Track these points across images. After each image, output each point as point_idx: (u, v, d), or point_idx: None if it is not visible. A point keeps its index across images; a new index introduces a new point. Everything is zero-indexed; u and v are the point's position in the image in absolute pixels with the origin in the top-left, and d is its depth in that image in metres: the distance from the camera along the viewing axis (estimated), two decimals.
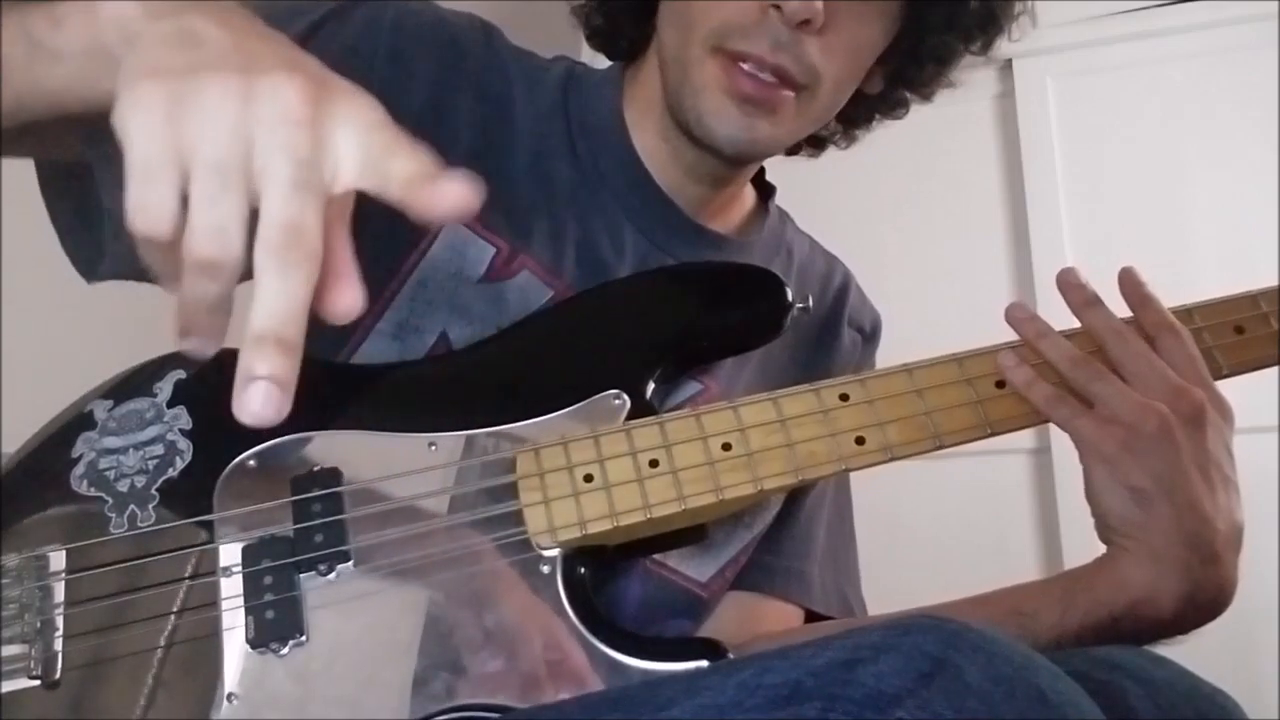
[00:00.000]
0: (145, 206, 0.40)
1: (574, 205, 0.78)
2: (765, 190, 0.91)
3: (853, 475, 0.93)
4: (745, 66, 0.71)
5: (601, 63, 0.88)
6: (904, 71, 0.85)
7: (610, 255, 0.78)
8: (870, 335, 0.93)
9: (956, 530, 1.98)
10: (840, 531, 0.91)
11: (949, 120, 2.19)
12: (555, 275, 0.76)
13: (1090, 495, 0.65)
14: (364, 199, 0.65)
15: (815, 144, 0.92)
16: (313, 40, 0.71)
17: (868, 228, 1.98)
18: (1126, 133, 2.08)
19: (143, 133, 0.40)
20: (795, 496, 0.84)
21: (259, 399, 0.41)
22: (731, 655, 0.62)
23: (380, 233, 0.73)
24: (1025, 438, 2.04)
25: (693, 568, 0.78)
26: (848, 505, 0.93)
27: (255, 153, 0.40)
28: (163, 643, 0.61)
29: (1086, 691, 0.49)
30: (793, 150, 0.89)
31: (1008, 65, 2.15)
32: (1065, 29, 2.12)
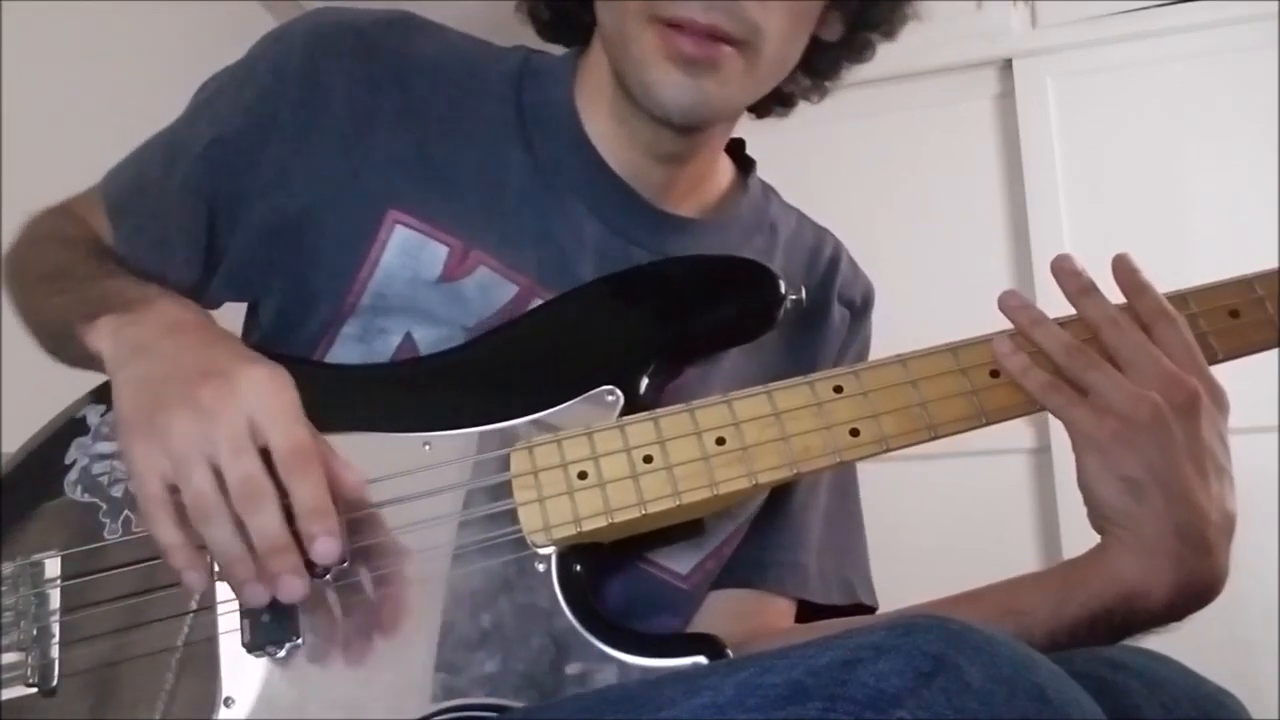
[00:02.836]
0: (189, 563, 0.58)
1: (529, 198, 0.76)
2: (746, 166, 0.89)
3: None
4: (682, 30, 0.69)
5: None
6: (862, 13, 0.82)
7: (572, 247, 0.76)
8: (861, 309, 0.91)
9: (956, 530, 1.98)
10: (844, 517, 0.89)
11: (949, 120, 2.19)
12: (516, 270, 0.74)
13: (1083, 484, 0.64)
14: (311, 212, 0.73)
15: (783, 101, 0.88)
16: (252, 102, 0.75)
17: (868, 228, 1.97)
18: (1126, 133, 2.07)
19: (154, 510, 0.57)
20: (787, 487, 0.83)
21: (294, 584, 0.57)
22: (730, 652, 0.62)
23: (329, 244, 0.73)
24: (1025, 438, 2.04)
25: (672, 559, 0.77)
26: (853, 488, 0.91)
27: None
28: (159, 648, 0.61)
29: (1090, 691, 0.49)
30: (763, 113, 0.87)
31: (1008, 65, 2.15)
32: (1065, 29, 2.12)
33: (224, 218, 0.75)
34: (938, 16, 2.13)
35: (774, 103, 0.87)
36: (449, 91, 0.77)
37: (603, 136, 0.78)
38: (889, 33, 0.84)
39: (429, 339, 0.72)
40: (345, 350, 0.73)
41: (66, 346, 0.71)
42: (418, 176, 0.74)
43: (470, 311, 0.73)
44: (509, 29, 0.86)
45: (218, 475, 0.56)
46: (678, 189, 0.81)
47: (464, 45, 0.80)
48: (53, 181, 0.80)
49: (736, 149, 0.88)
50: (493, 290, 0.73)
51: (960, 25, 2.15)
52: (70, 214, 0.80)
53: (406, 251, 0.73)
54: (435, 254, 0.73)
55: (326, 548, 0.57)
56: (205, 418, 0.56)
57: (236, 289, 0.78)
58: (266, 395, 0.58)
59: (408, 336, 0.72)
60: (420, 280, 0.73)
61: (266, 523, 0.56)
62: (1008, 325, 0.69)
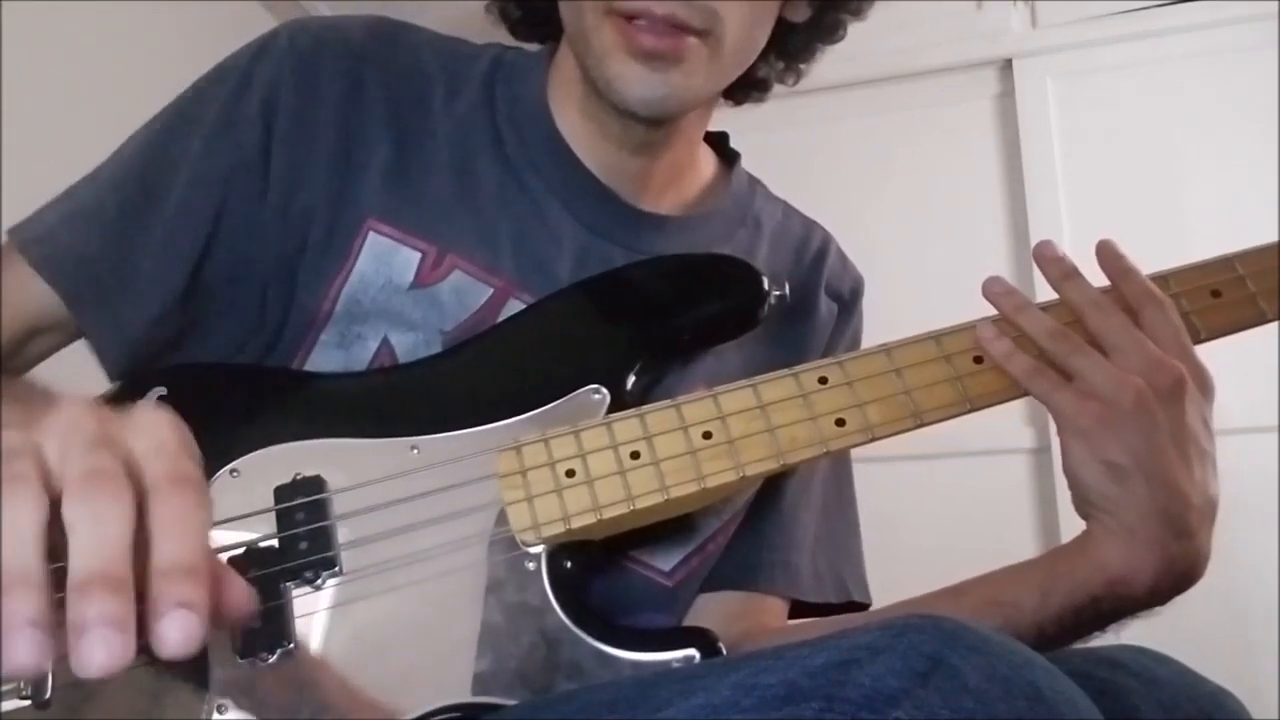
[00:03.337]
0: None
1: (503, 199, 0.76)
2: (731, 159, 0.88)
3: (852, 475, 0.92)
4: (641, 23, 0.68)
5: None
6: None
7: (548, 247, 0.76)
8: (850, 301, 0.90)
9: (956, 530, 1.97)
10: (840, 513, 0.88)
11: (949, 120, 2.19)
12: (492, 273, 0.74)
13: (1067, 469, 0.64)
14: (303, 224, 0.72)
15: (758, 86, 0.87)
16: (252, 117, 0.72)
17: (868, 228, 1.97)
18: (1126, 133, 2.07)
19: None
20: (777, 487, 0.83)
21: (100, 648, 0.36)
22: (722, 646, 0.62)
23: (314, 253, 0.72)
24: (1025, 438, 2.04)
25: (655, 556, 0.77)
26: (848, 486, 0.90)
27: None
28: (151, 656, 0.61)
29: (1089, 691, 0.48)
30: (739, 99, 0.86)
31: (1008, 65, 2.15)
32: (1065, 29, 2.12)
33: (231, 238, 0.72)
34: (938, 16, 2.14)
35: (749, 88, 0.86)
36: (426, 95, 0.76)
37: (575, 132, 0.77)
38: (857, 11, 0.83)
39: (406, 343, 0.72)
40: (324, 357, 0.73)
41: None
42: (393, 184, 0.74)
43: (446, 315, 0.72)
44: (502, 31, 0.85)
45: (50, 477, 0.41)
46: (654, 182, 0.80)
47: (441, 46, 0.80)
48: (52, 181, 0.80)
49: (720, 141, 0.88)
50: (468, 293, 0.73)
51: (960, 25, 2.15)
52: None
53: (378, 258, 0.72)
54: (408, 260, 0.73)
55: (182, 629, 0.38)
56: (77, 414, 0.43)
57: (240, 302, 0.74)
58: (164, 426, 0.44)
59: (385, 341, 0.72)
60: (394, 286, 0.72)
61: (107, 522, 0.38)
62: None
